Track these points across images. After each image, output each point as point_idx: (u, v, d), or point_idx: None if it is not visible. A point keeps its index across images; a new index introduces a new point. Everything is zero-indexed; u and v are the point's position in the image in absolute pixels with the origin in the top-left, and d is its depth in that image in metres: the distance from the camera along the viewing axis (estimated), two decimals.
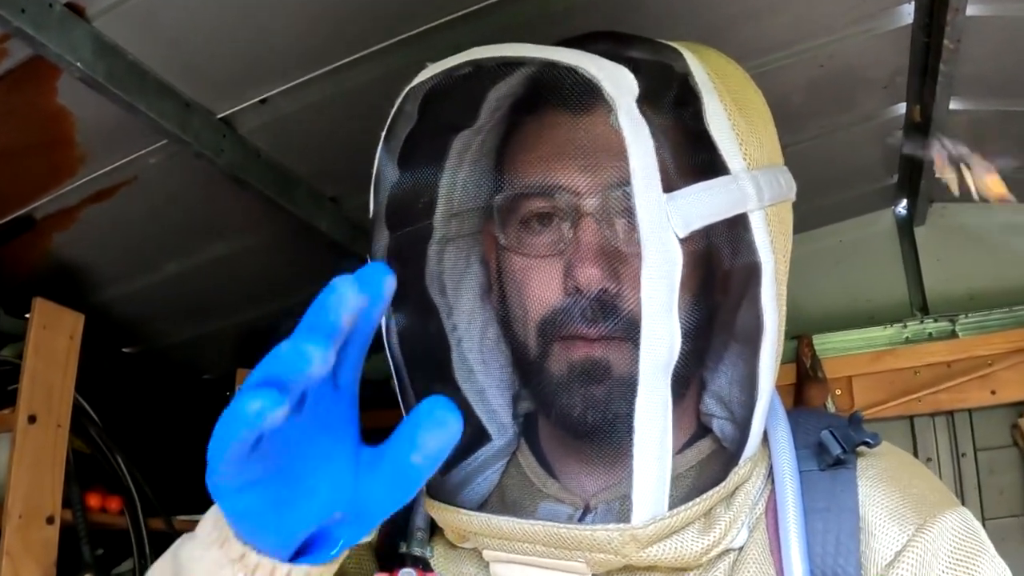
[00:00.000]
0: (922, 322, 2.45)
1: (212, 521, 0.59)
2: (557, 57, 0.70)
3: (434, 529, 0.83)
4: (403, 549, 0.82)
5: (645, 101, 0.68)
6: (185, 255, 2.00)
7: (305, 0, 1.29)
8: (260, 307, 2.38)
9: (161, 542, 2.21)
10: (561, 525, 0.70)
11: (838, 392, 2.41)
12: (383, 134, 0.79)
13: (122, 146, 1.56)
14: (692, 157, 0.74)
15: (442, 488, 0.80)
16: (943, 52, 1.60)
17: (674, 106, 0.75)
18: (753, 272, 0.73)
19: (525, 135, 0.82)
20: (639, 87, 0.68)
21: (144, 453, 2.29)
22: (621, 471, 0.73)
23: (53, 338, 1.88)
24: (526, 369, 0.82)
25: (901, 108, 1.99)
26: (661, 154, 0.68)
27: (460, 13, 1.35)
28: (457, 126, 0.83)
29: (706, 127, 0.72)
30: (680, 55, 0.75)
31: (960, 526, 0.74)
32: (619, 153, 0.68)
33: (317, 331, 0.50)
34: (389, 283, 0.53)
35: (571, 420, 0.77)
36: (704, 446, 0.83)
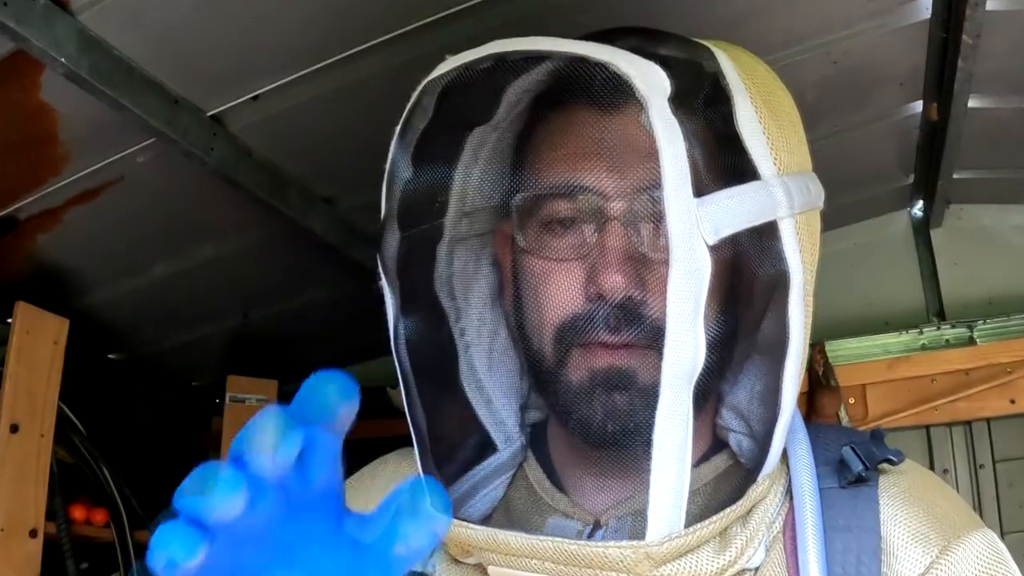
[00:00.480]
0: (939, 328, 2.44)
1: None
2: (587, 52, 0.69)
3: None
4: None
5: (676, 101, 0.68)
6: (173, 257, 2.00)
7: None
8: (252, 312, 2.38)
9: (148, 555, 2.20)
10: (571, 541, 0.70)
11: (851, 401, 2.40)
12: (398, 129, 0.78)
13: (108, 144, 1.56)
14: (721, 161, 0.74)
15: None
16: (962, 48, 1.60)
17: (704, 107, 0.75)
18: (780, 282, 0.72)
19: (549, 132, 0.81)
20: (670, 86, 0.68)
21: (131, 463, 2.29)
22: (636, 485, 0.73)
23: (36, 344, 1.87)
24: (541, 377, 0.81)
25: (918, 106, 1.99)
26: (692, 157, 0.67)
27: (460, 7, 1.35)
28: (476, 121, 0.82)
29: (737, 130, 0.71)
30: (711, 53, 0.74)
31: (985, 548, 0.73)
32: (649, 155, 0.67)
33: (236, 470, 0.44)
34: (344, 408, 0.47)
35: (590, 430, 0.76)
36: (720, 461, 0.82)
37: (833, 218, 2.51)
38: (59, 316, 1.93)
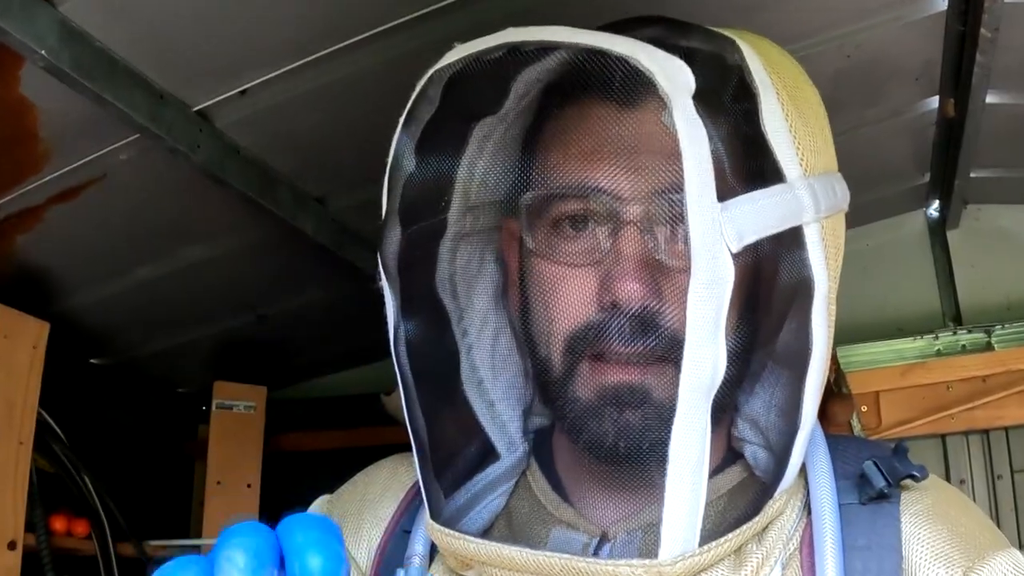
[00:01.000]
0: (955, 333, 2.44)
1: None
2: (606, 45, 0.68)
3: (434, 553, 0.82)
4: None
5: (699, 98, 0.66)
6: (158, 259, 2.00)
7: None
8: (239, 316, 2.37)
9: (131, 569, 2.20)
10: (579, 558, 0.69)
11: (864, 409, 2.39)
12: (401, 120, 0.77)
13: (90, 141, 1.55)
14: (745, 162, 0.73)
15: (445, 510, 0.79)
16: (980, 41, 1.59)
17: (729, 105, 0.74)
18: (804, 290, 0.71)
19: (562, 128, 0.79)
20: (694, 82, 0.66)
21: (113, 473, 2.29)
22: (648, 499, 0.72)
23: (15, 348, 1.87)
24: (548, 388, 0.80)
25: (934, 102, 1.99)
26: (716, 158, 0.66)
27: None
28: (484, 112, 0.81)
29: (762, 129, 0.70)
30: (736, 46, 0.73)
31: (1012, 570, 0.72)
32: (671, 155, 0.66)
33: None
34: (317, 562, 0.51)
35: (601, 447, 0.75)
36: (735, 473, 0.81)
37: (845, 218, 2.51)
38: (39, 319, 1.92)
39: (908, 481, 0.77)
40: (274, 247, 1.99)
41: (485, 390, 0.87)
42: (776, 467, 0.74)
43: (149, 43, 1.36)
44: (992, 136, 2.01)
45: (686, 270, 0.65)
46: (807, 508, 0.76)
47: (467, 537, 0.74)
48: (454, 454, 0.84)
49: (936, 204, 2.56)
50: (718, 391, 0.66)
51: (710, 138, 0.65)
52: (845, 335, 2.44)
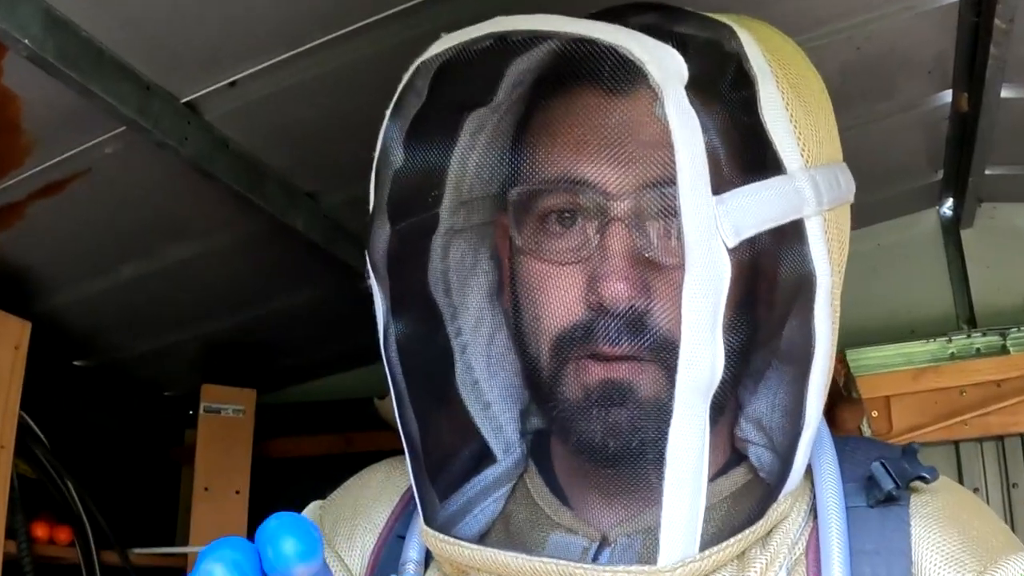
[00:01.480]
0: (969, 336, 2.43)
1: None
2: (595, 34, 0.68)
3: (429, 559, 0.82)
4: None
5: (694, 87, 0.66)
6: (144, 257, 2.00)
7: None
8: (228, 316, 2.37)
9: None
10: (577, 565, 0.69)
11: (874, 414, 2.39)
12: (388, 113, 0.77)
13: (74, 134, 1.55)
14: (743, 152, 0.73)
15: (440, 515, 0.79)
16: (994, 33, 1.59)
17: (725, 93, 0.74)
18: (806, 286, 0.71)
19: (550, 120, 0.79)
20: (688, 71, 0.66)
21: (97, 479, 2.29)
22: (647, 503, 0.72)
23: None
24: (538, 388, 0.80)
25: (947, 96, 1.98)
26: (711, 149, 0.66)
27: None
28: (474, 103, 0.81)
29: (761, 118, 0.70)
30: (733, 32, 0.73)
31: None
32: (663, 147, 0.66)
33: None
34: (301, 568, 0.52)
35: (590, 448, 0.75)
36: (738, 476, 0.81)
37: (855, 217, 2.49)
38: (21, 319, 1.92)
39: (918, 483, 0.77)
40: (264, 244, 1.99)
41: (480, 391, 0.87)
42: (780, 468, 0.74)
43: (136, 33, 1.35)
44: (1008, 132, 2.00)
45: (679, 266, 0.65)
46: (813, 511, 0.76)
47: (462, 543, 0.75)
48: (449, 457, 0.84)
49: (949, 202, 2.56)
50: (716, 391, 0.66)
51: (704, 128, 0.65)
52: (855, 338, 2.44)
